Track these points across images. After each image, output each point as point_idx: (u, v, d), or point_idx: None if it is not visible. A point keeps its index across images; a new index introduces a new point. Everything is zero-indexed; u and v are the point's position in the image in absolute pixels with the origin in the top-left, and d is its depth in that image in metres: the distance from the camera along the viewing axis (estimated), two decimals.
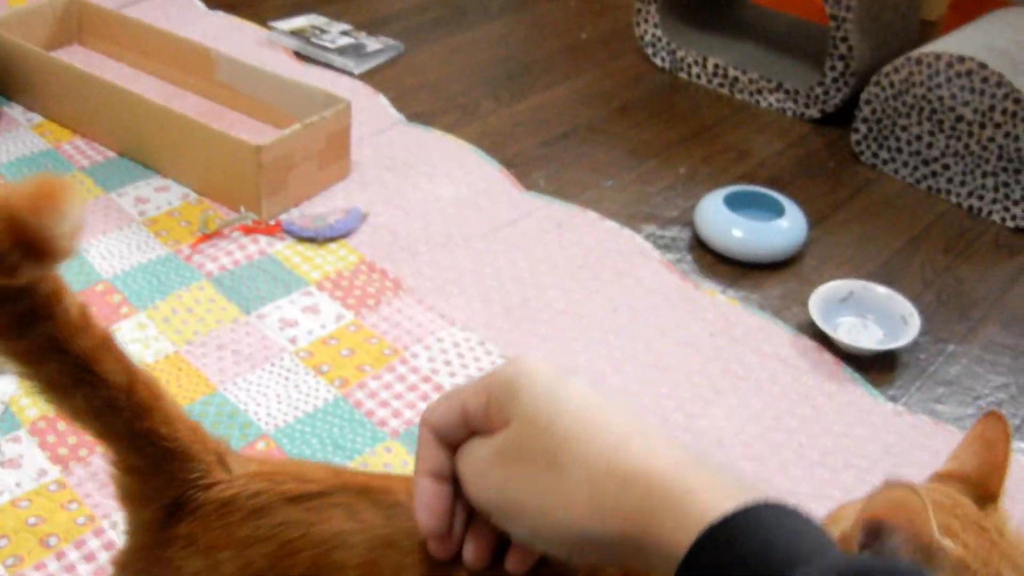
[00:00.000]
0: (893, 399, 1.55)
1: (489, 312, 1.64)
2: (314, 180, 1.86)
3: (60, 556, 1.22)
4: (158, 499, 0.72)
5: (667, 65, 2.43)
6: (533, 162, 2.05)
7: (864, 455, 1.44)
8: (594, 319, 1.65)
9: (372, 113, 2.15)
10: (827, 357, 1.60)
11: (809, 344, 1.62)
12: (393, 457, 1.37)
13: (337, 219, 1.77)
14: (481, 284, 1.69)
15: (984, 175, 1.97)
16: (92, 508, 1.27)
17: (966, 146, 1.97)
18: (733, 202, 1.85)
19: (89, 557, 1.22)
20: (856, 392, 1.55)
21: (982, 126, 1.94)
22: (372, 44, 2.42)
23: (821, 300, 1.66)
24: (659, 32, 2.42)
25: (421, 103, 2.23)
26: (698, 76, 2.40)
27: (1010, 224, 1.96)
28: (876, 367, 1.61)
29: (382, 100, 2.21)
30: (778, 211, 1.84)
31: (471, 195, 1.91)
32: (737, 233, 1.79)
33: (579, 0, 2.76)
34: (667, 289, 1.72)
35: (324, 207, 1.84)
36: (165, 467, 0.72)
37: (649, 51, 2.46)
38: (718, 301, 1.70)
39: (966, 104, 1.94)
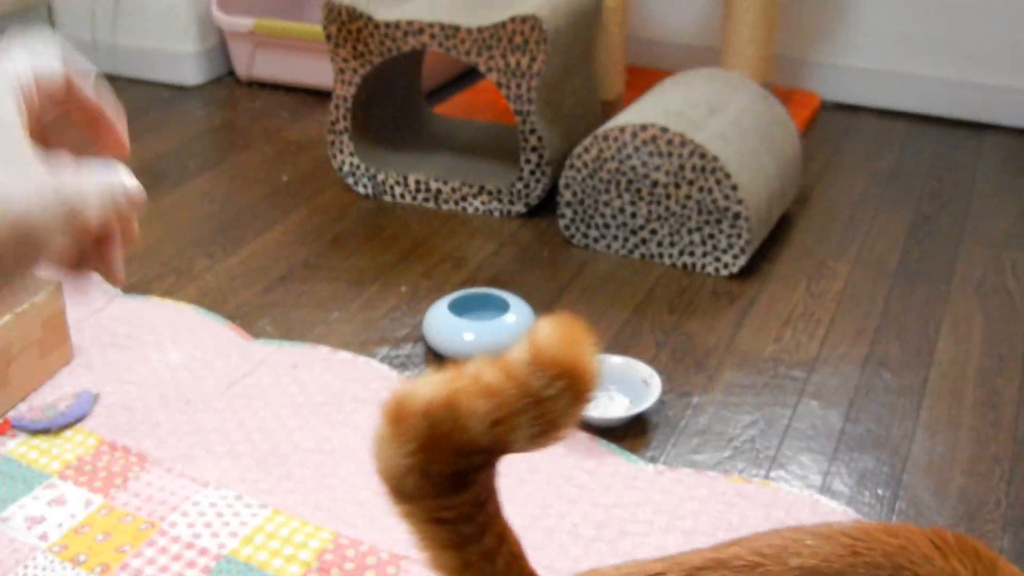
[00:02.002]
0: (653, 460, 1.58)
1: (241, 466, 1.59)
2: (37, 370, 1.77)
3: None
4: None
5: (370, 191, 2.45)
6: (257, 310, 2.01)
7: (637, 519, 1.45)
8: (345, 452, 1.61)
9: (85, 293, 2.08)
10: (580, 436, 1.61)
11: None
12: None
13: (68, 405, 1.69)
14: (227, 441, 1.64)
15: (689, 232, 2.05)
16: None
17: (667, 208, 2.05)
18: (458, 308, 1.86)
19: None
20: (616, 462, 1.56)
21: (677, 186, 2.02)
22: None
23: None
24: (356, 160, 2.43)
25: (134, 273, 2.17)
26: (402, 195, 2.42)
27: (724, 272, 2.04)
28: (630, 434, 1.63)
29: (94, 277, 2.13)
30: (503, 308, 1.86)
31: (201, 355, 1.86)
32: (468, 336, 1.80)
33: (274, 144, 2.76)
34: None
35: (52, 395, 1.75)
36: None
37: (350, 180, 2.47)
38: None
39: (657, 168, 2.02)
